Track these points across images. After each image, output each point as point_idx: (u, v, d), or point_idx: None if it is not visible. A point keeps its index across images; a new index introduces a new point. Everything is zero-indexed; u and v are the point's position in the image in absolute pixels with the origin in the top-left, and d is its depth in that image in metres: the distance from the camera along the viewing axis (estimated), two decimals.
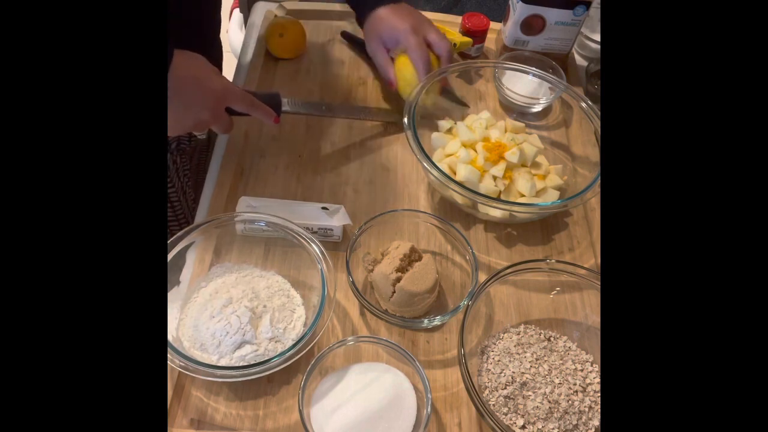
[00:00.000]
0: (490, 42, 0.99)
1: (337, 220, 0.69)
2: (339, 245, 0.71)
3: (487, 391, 0.60)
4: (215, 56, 0.91)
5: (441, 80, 0.80)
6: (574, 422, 0.57)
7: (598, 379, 0.61)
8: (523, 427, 0.58)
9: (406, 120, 0.72)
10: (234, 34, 1.69)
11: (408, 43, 0.79)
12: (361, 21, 0.85)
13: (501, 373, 0.60)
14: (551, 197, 0.74)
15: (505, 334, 0.64)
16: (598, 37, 1.01)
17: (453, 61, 0.82)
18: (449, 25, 0.96)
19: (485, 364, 0.62)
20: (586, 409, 0.58)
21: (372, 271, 0.66)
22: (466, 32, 0.93)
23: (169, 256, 0.61)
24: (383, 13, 0.81)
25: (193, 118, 0.63)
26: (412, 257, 0.66)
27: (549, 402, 0.58)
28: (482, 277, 0.65)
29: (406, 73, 0.81)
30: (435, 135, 0.80)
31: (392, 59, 0.82)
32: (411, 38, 0.78)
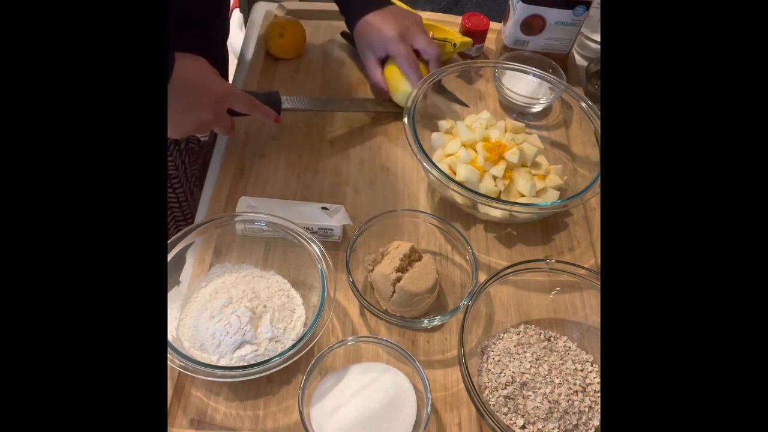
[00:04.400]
0: (490, 42, 0.99)
1: (337, 220, 0.69)
2: (339, 245, 0.71)
3: (487, 391, 0.60)
4: (221, 62, 0.90)
5: (434, 85, 0.80)
6: (574, 422, 0.57)
7: (598, 379, 0.61)
8: (523, 427, 0.58)
9: (406, 120, 0.72)
10: (234, 34, 1.69)
11: (396, 52, 0.79)
12: (350, 26, 0.85)
13: (501, 373, 0.60)
14: (551, 197, 0.74)
15: (505, 334, 0.64)
16: (598, 37, 1.01)
17: (442, 65, 0.83)
18: (449, 25, 0.96)
19: (485, 364, 0.62)
20: (586, 409, 0.58)
21: (372, 271, 0.66)
22: (466, 32, 0.93)
23: (169, 256, 0.61)
24: (372, 19, 0.81)
25: (195, 120, 0.63)
26: (412, 257, 0.66)
27: (549, 402, 0.58)
28: (482, 277, 0.65)
29: (396, 81, 0.82)
30: (435, 135, 0.80)
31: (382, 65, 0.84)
32: (399, 47, 0.79)
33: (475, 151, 0.75)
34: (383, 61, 0.84)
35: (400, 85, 0.82)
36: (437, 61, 0.82)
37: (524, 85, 0.86)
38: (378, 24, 0.81)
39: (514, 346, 0.63)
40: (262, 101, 0.71)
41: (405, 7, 0.87)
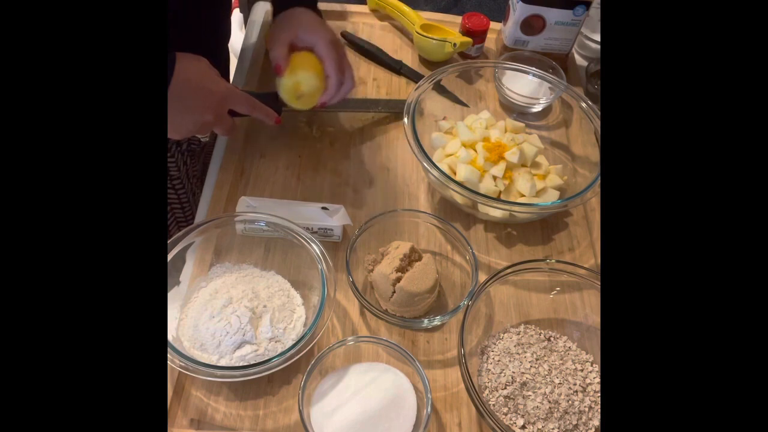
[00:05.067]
0: (490, 42, 0.99)
1: (337, 220, 0.69)
2: (339, 245, 0.71)
3: (487, 391, 0.60)
4: (223, 65, 0.90)
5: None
6: (574, 422, 0.57)
7: (598, 379, 0.61)
8: (523, 427, 0.58)
9: (406, 120, 0.72)
10: (234, 34, 1.69)
11: (325, 54, 0.71)
12: (278, 10, 0.76)
13: (501, 373, 0.60)
14: (551, 197, 0.74)
15: (505, 334, 0.64)
16: (598, 37, 1.01)
17: (337, 99, 0.74)
18: (449, 25, 0.96)
19: (485, 364, 0.62)
20: (586, 409, 0.58)
21: (372, 271, 0.66)
22: (466, 32, 0.93)
23: (170, 256, 0.61)
24: (305, 12, 0.73)
25: (196, 121, 0.63)
26: (412, 257, 0.66)
27: (549, 402, 0.58)
28: (482, 277, 0.65)
29: (307, 76, 0.70)
30: (435, 135, 0.80)
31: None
32: (330, 51, 0.71)
33: (475, 151, 0.75)
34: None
35: (304, 80, 0.70)
36: (342, 94, 0.74)
37: (524, 85, 0.86)
38: (313, 19, 0.73)
39: (514, 346, 0.63)
40: (263, 102, 0.71)
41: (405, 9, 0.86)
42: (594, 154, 0.76)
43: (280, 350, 0.59)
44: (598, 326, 0.64)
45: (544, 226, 0.76)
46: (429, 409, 0.55)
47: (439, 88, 0.84)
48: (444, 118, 0.82)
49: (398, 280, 0.63)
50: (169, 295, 0.62)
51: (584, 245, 0.75)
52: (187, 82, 0.60)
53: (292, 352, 0.56)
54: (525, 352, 0.62)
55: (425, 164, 0.69)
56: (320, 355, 0.57)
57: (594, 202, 0.78)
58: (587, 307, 0.67)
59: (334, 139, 0.83)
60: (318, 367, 0.57)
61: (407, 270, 0.64)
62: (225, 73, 0.92)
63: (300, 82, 0.70)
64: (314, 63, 0.71)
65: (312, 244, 0.63)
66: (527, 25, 0.90)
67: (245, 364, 0.57)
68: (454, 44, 0.91)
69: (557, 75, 0.86)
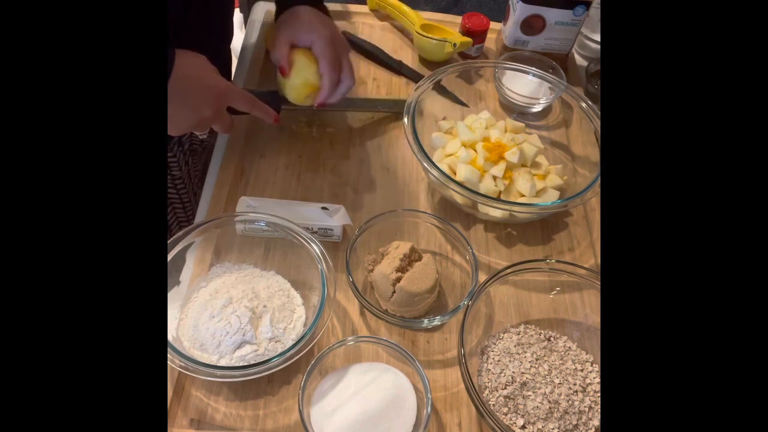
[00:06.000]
0: (490, 42, 0.99)
1: (337, 220, 0.69)
2: (339, 245, 0.71)
3: (487, 391, 0.60)
4: (223, 65, 0.90)
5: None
6: (574, 422, 0.57)
7: (598, 379, 0.61)
8: (523, 427, 0.58)
9: (406, 120, 0.72)
10: (234, 34, 1.69)
11: (322, 52, 0.71)
12: (281, 10, 0.77)
13: (501, 373, 0.60)
14: (551, 197, 0.74)
15: (505, 334, 0.64)
16: (598, 37, 1.01)
17: (335, 98, 0.74)
18: (449, 25, 0.96)
19: (485, 364, 0.62)
20: (586, 409, 0.58)
21: (372, 271, 0.66)
22: (466, 32, 0.93)
23: (170, 256, 0.61)
24: (309, 14, 0.73)
25: (195, 117, 0.63)
26: (412, 257, 0.66)
27: (549, 402, 0.58)
28: (482, 277, 0.65)
29: (305, 70, 0.71)
30: (435, 135, 0.80)
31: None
32: (327, 49, 0.71)
33: (475, 151, 0.75)
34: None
35: (302, 72, 0.71)
36: (341, 93, 0.74)
37: (524, 85, 0.86)
38: (313, 18, 0.73)
39: (514, 346, 0.63)
40: (262, 100, 0.71)
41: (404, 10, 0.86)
42: (594, 154, 0.76)
43: (280, 350, 0.59)
44: (598, 326, 0.64)
45: (544, 226, 0.76)
46: (429, 409, 0.55)
47: (439, 88, 0.84)
48: (444, 119, 0.82)
49: (398, 280, 0.63)
50: (169, 295, 0.62)
51: (584, 245, 0.75)
52: (186, 78, 0.60)
53: (292, 352, 0.56)
54: (525, 352, 0.62)
55: (425, 164, 0.69)
56: (320, 355, 0.57)
57: (594, 202, 0.78)
58: (587, 307, 0.67)
59: (334, 139, 0.83)
60: (318, 367, 0.57)
61: (407, 270, 0.64)
62: (226, 74, 0.91)
63: (301, 82, 0.71)
64: (311, 61, 0.72)
65: (312, 244, 0.63)
66: (527, 25, 0.90)
67: (245, 364, 0.57)
68: (454, 44, 0.91)
69: (557, 75, 0.86)
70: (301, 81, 0.71)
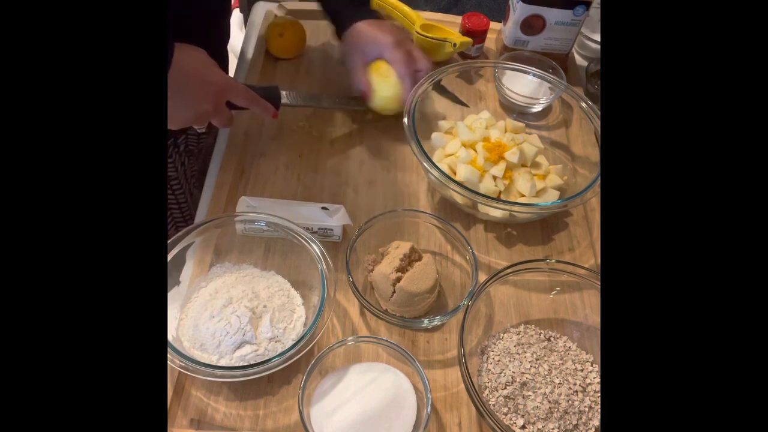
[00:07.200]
0: (490, 42, 0.99)
1: (337, 220, 0.69)
2: (339, 245, 0.71)
3: (487, 391, 0.60)
4: (222, 67, 0.90)
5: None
6: (574, 422, 0.57)
7: (598, 379, 0.61)
8: (523, 427, 0.58)
9: (406, 120, 0.72)
10: (234, 34, 1.69)
11: (392, 57, 0.77)
12: (340, 33, 0.83)
13: (501, 373, 0.60)
14: (551, 197, 0.74)
15: (505, 334, 0.64)
16: (598, 37, 1.01)
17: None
18: (449, 25, 0.96)
19: (485, 364, 0.62)
20: (586, 409, 0.58)
21: (372, 271, 0.66)
22: (466, 32, 0.93)
23: (169, 257, 0.61)
24: (365, 26, 0.79)
25: (195, 111, 0.63)
26: (412, 257, 0.66)
27: (549, 402, 0.58)
28: (482, 277, 0.65)
29: (378, 85, 0.79)
30: (435, 135, 0.80)
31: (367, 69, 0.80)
32: (395, 52, 0.77)
33: (475, 151, 0.75)
34: None
35: (382, 89, 0.79)
36: (425, 73, 0.79)
37: (524, 85, 0.86)
38: (372, 30, 0.79)
39: (514, 346, 0.63)
40: (262, 96, 0.71)
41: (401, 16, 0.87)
42: (594, 154, 0.76)
43: (280, 350, 0.59)
44: (598, 326, 0.64)
45: (544, 226, 0.76)
46: (429, 409, 0.55)
47: (439, 88, 0.84)
48: (444, 119, 0.82)
49: (398, 280, 0.63)
50: (169, 295, 0.62)
51: (584, 245, 0.75)
52: (185, 72, 0.60)
53: (292, 352, 0.56)
54: (525, 352, 0.62)
55: (425, 164, 0.69)
56: (320, 355, 0.57)
57: (594, 202, 0.78)
58: (587, 307, 0.67)
59: (334, 139, 0.83)
60: (318, 367, 0.57)
61: (407, 270, 0.64)
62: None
63: (379, 97, 0.79)
64: (387, 71, 0.78)
65: (312, 244, 0.63)
66: (527, 25, 0.90)
67: (245, 364, 0.57)
68: (454, 44, 0.91)
69: (557, 75, 0.86)
70: (383, 96, 0.79)
